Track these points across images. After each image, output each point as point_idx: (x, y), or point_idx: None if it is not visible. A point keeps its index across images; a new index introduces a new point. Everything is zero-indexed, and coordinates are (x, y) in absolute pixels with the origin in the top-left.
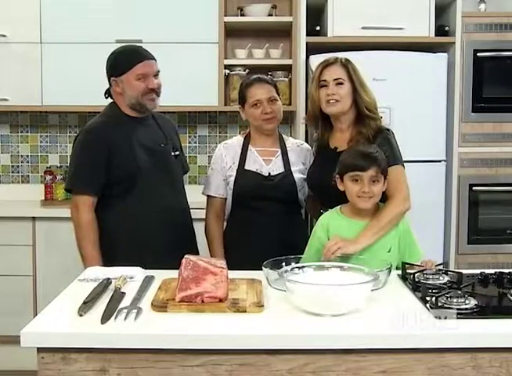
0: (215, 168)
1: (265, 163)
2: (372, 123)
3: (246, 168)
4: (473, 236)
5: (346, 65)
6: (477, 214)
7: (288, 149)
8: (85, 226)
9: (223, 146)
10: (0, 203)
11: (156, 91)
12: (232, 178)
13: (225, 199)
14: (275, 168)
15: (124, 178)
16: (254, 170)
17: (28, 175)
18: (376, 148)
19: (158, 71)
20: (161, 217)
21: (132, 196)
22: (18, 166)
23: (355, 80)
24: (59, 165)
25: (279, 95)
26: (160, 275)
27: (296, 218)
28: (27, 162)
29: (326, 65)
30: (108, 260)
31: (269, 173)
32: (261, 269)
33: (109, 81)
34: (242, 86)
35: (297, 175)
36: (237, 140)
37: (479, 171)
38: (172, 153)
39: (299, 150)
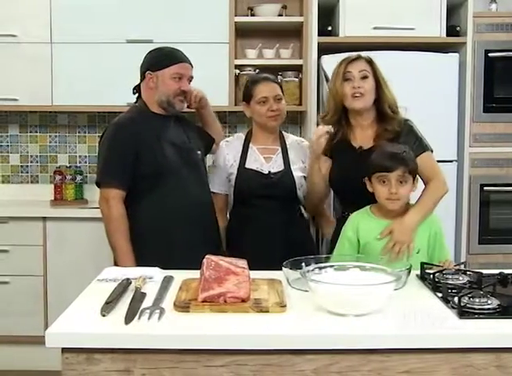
0: (218, 166)
1: (265, 161)
2: (395, 120)
3: (247, 166)
4: (484, 236)
5: (370, 61)
6: (489, 214)
7: (288, 146)
8: (117, 219)
9: (225, 144)
10: (10, 203)
11: (186, 94)
12: (234, 176)
13: (227, 195)
14: (276, 165)
15: (152, 174)
16: (255, 168)
17: (37, 175)
18: (404, 148)
19: (192, 77)
20: (189, 213)
21: (160, 191)
22: (27, 166)
23: (379, 76)
24: (68, 165)
25: (283, 94)
26: (179, 275)
27: (295, 215)
28: (37, 162)
29: (350, 60)
30: (136, 255)
31: (269, 171)
32: (263, 265)
33: (142, 75)
34: (248, 83)
35: (297, 173)
36: (238, 138)
37: (490, 171)
38: (198, 152)
39: (299, 148)
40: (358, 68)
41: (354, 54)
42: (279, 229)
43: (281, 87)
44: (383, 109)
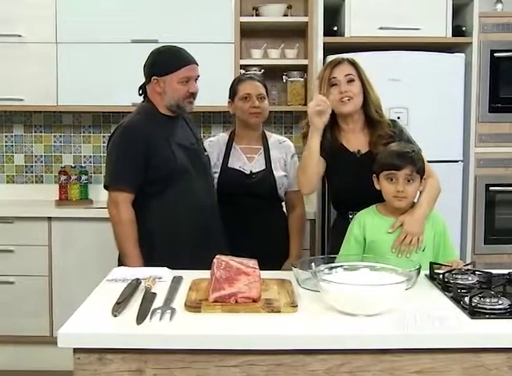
0: None
1: (247, 160)
2: (383, 123)
3: (230, 165)
4: (489, 236)
5: (354, 63)
6: (494, 214)
7: (270, 146)
8: (126, 224)
9: (208, 144)
10: (14, 203)
11: (195, 95)
12: (217, 176)
13: None
14: (258, 165)
15: (162, 177)
16: (237, 168)
17: (42, 175)
18: (413, 147)
19: (199, 76)
20: (198, 215)
21: (170, 194)
22: (32, 166)
23: (364, 78)
24: (73, 165)
25: (268, 95)
26: (187, 275)
27: (276, 213)
28: (41, 162)
29: (335, 64)
30: (145, 258)
31: (251, 171)
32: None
33: (147, 78)
34: (234, 82)
35: (278, 173)
36: (222, 138)
37: (496, 171)
38: (206, 153)
39: (280, 147)
40: (343, 73)
41: (338, 57)
42: (261, 226)
43: (266, 88)
44: (369, 112)
